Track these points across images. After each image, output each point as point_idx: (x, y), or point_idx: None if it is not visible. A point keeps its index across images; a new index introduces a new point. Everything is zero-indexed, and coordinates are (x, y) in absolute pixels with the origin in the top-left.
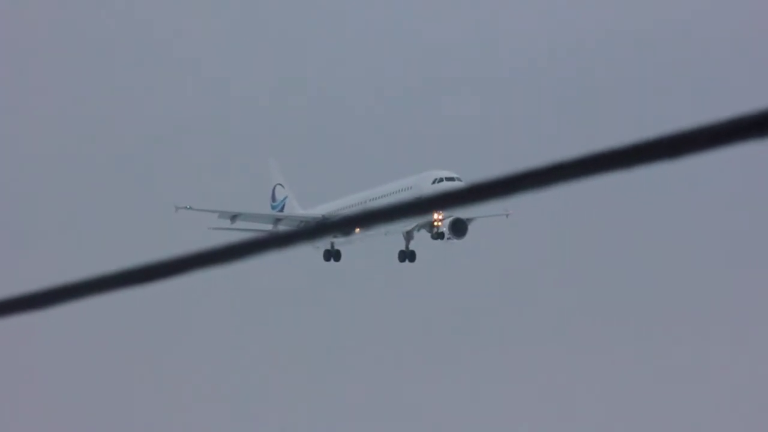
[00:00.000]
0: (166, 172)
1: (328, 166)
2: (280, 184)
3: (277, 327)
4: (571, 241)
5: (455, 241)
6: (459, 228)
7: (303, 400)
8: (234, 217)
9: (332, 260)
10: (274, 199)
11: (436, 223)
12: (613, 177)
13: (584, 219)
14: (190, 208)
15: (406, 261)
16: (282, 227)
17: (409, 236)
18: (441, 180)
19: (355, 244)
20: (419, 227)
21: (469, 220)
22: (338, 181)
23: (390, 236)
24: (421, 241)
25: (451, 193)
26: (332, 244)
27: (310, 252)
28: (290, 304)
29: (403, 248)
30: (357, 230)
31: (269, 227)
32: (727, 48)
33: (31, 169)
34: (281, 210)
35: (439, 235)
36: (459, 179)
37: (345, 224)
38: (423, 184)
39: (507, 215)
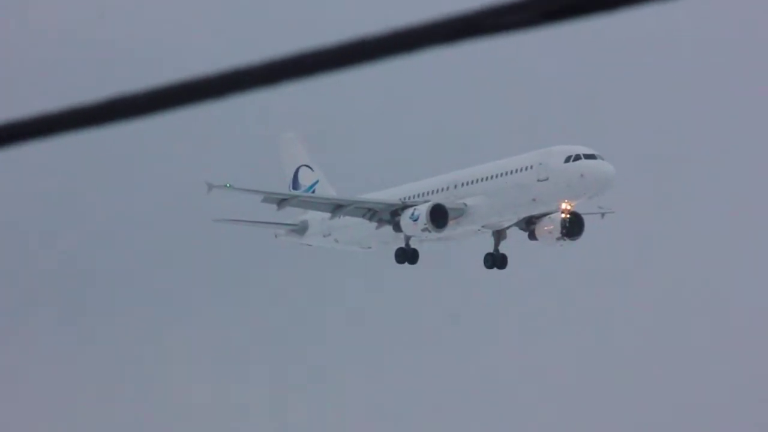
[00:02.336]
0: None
1: (364, 145)
2: (307, 166)
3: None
4: (689, 242)
5: (568, 242)
6: (575, 225)
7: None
8: (282, 202)
9: (407, 262)
10: (296, 185)
11: (564, 215)
12: None
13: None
14: (230, 186)
15: (495, 268)
16: (342, 217)
17: (499, 236)
18: (578, 157)
19: (435, 243)
20: (516, 224)
21: None
22: (383, 165)
23: (482, 235)
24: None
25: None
26: (407, 242)
27: (381, 251)
28: (354, 314)
29: (492, 251)
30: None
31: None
32: None
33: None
34: None
35: (567, 232)
36: (601, 157)
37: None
38: (552, 163)
39: (603, 214)
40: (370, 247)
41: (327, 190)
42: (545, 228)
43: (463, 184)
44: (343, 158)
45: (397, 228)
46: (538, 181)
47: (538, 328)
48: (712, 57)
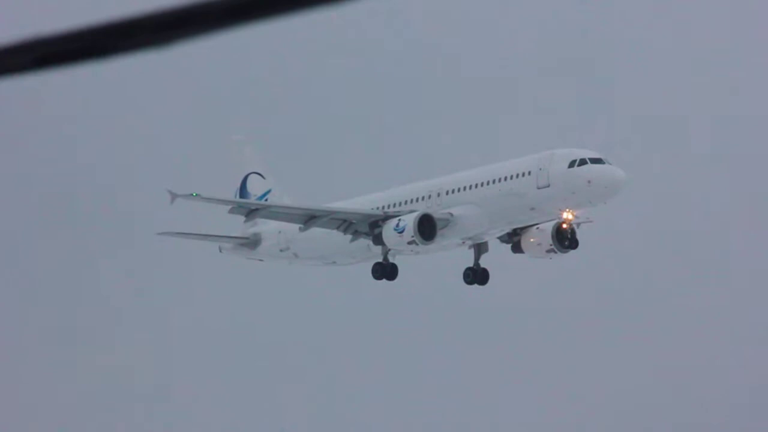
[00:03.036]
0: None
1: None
2: (257, 173)
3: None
4: (675, 250)
5: (559, 254)
6: (572, 237)
7: None
8: (251, 213)
9: (385, 279)
10: (244, 194)
11: (565, 225)
12: None
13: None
14: (197, 195)
15: (475, 284)
16: (314, 228)
17: (480, 249)
18: (584, 162)
19: (408, 257)
20: (504, 233)
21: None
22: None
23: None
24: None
25: None
26: (386, 256)
27: (357, 268)
28: (323, 337)
29: (472, 265)
30: None
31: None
32: None
33: None
34: None
35: (569, 244)
36: (608, 161)
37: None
38: (554, 168)
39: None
40: (334, 262)
41: (281, 200)
42: (532, 240)
43: (448, 192)
44: (299, 164)
45: (378, 240)
46: (538, 188)
47: (525, 352)
48: (697, 49)
